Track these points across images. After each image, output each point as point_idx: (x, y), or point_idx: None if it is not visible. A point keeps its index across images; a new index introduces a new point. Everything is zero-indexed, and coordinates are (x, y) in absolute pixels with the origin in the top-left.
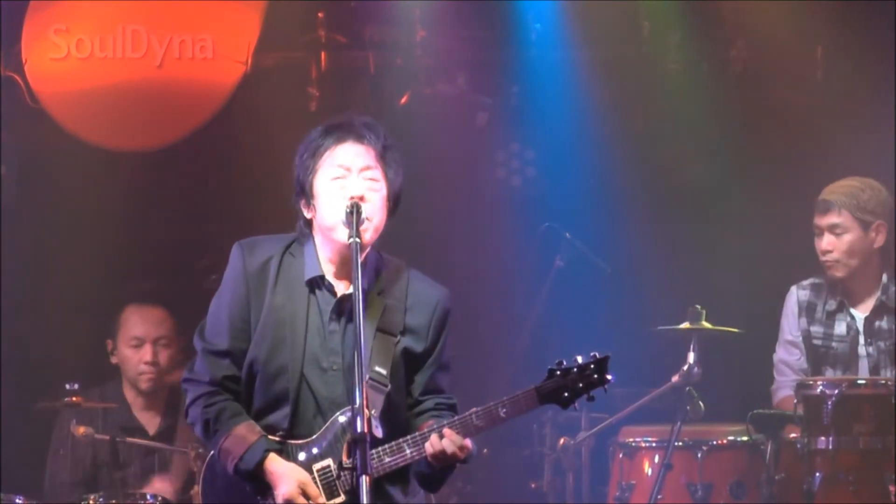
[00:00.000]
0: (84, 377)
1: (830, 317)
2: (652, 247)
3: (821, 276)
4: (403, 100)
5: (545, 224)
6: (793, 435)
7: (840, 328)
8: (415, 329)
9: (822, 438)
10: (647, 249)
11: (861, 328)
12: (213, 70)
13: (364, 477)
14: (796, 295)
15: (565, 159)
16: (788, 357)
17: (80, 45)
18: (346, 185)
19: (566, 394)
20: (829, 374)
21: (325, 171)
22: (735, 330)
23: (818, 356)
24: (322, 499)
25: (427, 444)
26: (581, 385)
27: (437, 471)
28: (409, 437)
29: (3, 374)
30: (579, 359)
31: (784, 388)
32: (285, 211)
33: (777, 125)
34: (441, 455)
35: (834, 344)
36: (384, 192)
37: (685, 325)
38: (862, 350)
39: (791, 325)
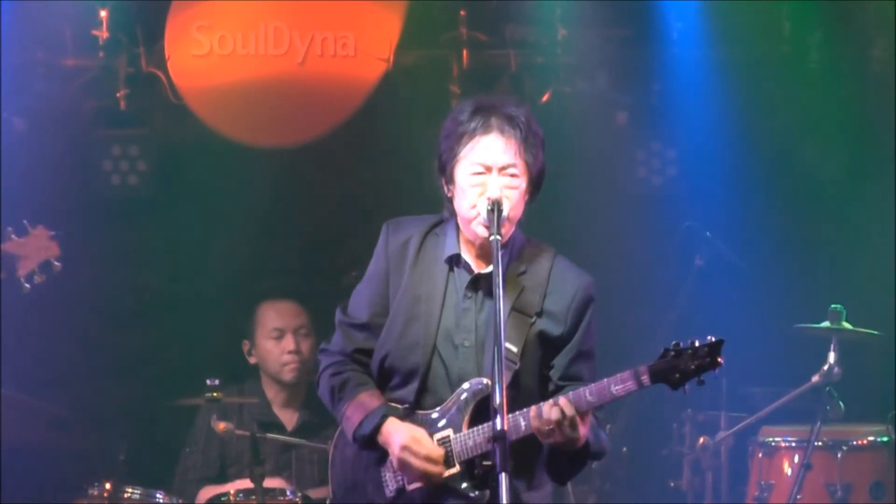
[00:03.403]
0: (222, 374)
1: None
2: (791, 246)
3: None
4: (544, 98)
5: (685, 223)
6: None
7: None
8: (553, 313)
9: None
10: (786, 248)
11: None
12: (354, 67)
13: (503, 474)
14: None
15: (706, 158)
16: None
17: (222, 41)
18: (486, 184)
19: (677, 375)
20: None
21: (466, 165)
22: (875, 333)
23: None
24: (432, 450)
25: (535, 412)
26: (693, 367)
27: (563, 460)
28: (524, 409)
29: (142, 371)
30: (696, 342)
31: None
32: (425, 207)
33: None
34: (547, 422)
35: None
36: (524, 185)
37: (825, 324)
38: None
39: None
